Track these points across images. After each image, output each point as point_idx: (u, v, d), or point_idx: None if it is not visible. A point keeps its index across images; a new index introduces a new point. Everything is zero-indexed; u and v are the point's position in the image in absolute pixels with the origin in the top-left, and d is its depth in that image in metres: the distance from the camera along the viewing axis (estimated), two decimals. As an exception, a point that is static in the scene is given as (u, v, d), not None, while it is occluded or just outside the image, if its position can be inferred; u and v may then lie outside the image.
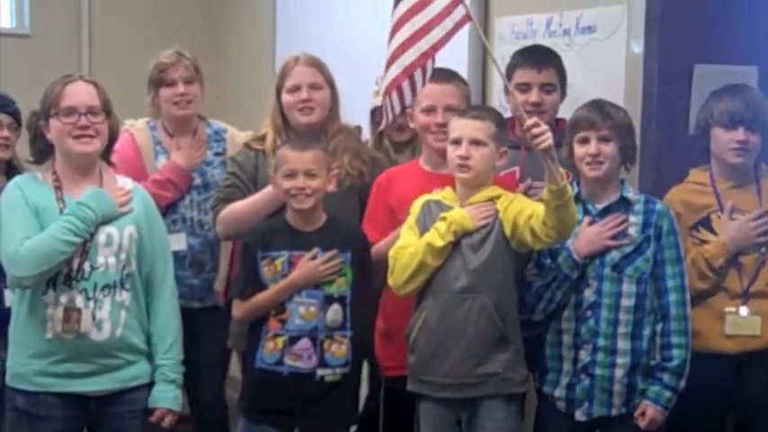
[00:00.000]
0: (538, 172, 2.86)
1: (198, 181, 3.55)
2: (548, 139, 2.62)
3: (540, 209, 2.69)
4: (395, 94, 2.90)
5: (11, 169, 3.38)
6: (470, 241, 2.81)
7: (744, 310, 2.95)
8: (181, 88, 3.50)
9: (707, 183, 3.05)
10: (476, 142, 2.81)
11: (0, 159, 3.38)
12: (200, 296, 3.54)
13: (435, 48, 2.85)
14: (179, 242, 3.46)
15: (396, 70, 2.88)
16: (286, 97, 3.21)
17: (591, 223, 2.86)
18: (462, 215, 2.80)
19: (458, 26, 2.86)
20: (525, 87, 3.09)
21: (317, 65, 3.24)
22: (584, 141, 2.85)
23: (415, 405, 2.90)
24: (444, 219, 2.81)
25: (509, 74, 3.14)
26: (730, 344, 2.94)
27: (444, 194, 2.91)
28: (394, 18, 2.92)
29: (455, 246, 2.81)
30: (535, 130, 2.63)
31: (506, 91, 3.10)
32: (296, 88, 3.19)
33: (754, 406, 2.99)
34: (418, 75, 2.89)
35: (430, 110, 3.02)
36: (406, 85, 2.88)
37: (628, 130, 2.88)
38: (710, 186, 3.04)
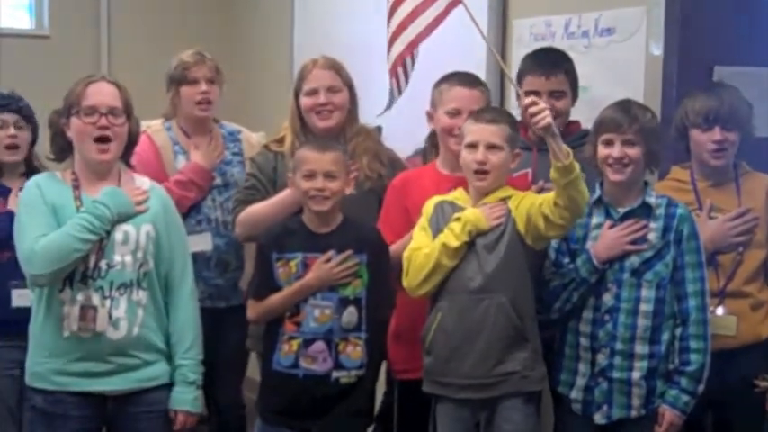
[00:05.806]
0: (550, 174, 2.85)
1: (218, 181, 3.55)
2: (546, 117, 2.61)
3: (550, 196, 2.69)
4: (400, 71, 2.95)
5: (31, 170, 3.33)
6: (485, 241, 2.80)
7: (720, 310, 2.93)
8: (203, 86, 3.51)
9: (687, 181, 3.03)
10: (492, 147, 2.80)
11: (10, 162, 3.35)
12: (226, 295, 3.54)
13: (436, 22, 2.95)
14: (205, 242, 3.46)
15: (399, 46, 2.94)
16: (304, 100, 3.21)
17: (612, 227, 2.84)
18: (476, 215, 2.80)
19: (451, 5, 2.96)
20: (534, 95, 3.06)
21: (335, 67, 3.23)
22: (609, 143, 2.82)
23: (432, 406, 2.89)
24: (458, 219, 2.80)
25: (519, 79, 3.13)
26: None
27: (457, 195, 2.90)
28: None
29: (470, 246, 2.80)
30: (532, 109, 2.63)
31: (518, 95, 3.10)
32: (314, 92, 3.19)
33: (731, 402, 2.95)
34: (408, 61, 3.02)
35: (455, 113, 3.00)
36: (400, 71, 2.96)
37: (654, 134, 2.84)
38: (691, 185, 3.01)
